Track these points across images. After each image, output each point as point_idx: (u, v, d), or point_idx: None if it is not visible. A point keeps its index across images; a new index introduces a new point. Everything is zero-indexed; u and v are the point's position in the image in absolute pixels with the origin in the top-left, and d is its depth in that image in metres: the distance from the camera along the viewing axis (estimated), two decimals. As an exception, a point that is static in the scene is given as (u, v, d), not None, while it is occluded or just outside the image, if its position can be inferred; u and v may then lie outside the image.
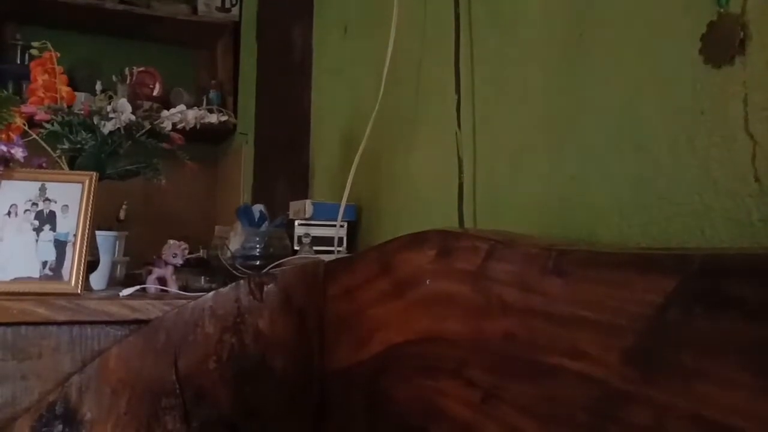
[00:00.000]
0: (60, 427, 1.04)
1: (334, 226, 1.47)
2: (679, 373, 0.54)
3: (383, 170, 1.44)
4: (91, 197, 1.26)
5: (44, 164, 1.43)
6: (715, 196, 0.69)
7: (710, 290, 0.53)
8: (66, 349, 1.09)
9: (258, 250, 1.47)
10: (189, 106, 2.04)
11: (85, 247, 1.24)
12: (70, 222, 1.24)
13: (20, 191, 1.24)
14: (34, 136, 1.41)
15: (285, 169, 2.15)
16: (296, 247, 1.50)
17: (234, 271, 1.39)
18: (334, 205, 1.48)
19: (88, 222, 1.25)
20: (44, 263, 1.22)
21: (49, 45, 1.53)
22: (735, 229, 0.67)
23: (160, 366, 1.10)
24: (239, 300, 1.16)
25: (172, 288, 1.28)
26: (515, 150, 1.02)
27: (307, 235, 1.49)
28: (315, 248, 1.47)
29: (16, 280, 1.19)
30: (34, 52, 1.53)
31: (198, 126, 1.91)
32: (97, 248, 1.50)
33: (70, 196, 1.26)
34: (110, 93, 2.39)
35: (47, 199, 1.24)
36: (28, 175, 1.26)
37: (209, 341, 1.14)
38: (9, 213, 1.22)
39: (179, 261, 1.31)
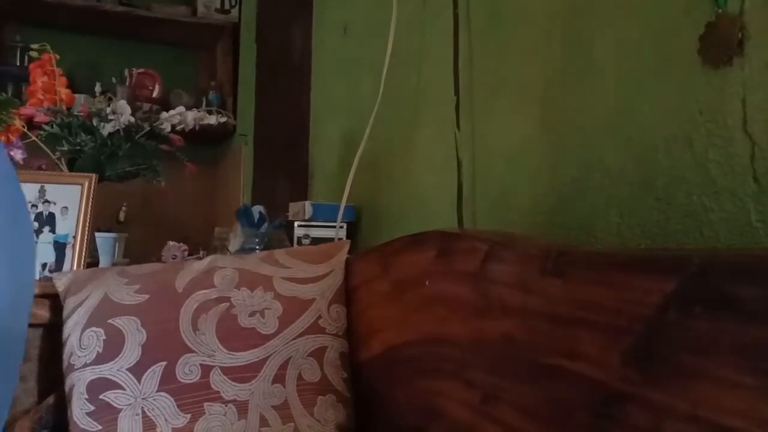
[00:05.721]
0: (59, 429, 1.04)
1: (334, 227, 1.47)
2: (679, 374, 0.54)
3: (383, 171, 1.44)
4: (91, 199, 1.27)
5: (44, 166, 1.44)
6: (714, 197, 0.69)
7: (709, 291, 0.53)
8: (66, 350, 1.08)
9: (257, 251, 1.47)
10: (188, 108, 2.05)
11: (84, 249, 1.24)
12: (70, 224, 1.25)
13: (20, 193, 1.23)
14: (34, 138, 1.42)
15: (284, 170, 2.15)
16: (296, 249, 1.50)
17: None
18: (333, 206, 1.48)
19: (87, 224, 1.25)
20: (44, 265, 1.22)
21: (48, 47, 1.53)
22: (734, 230, 0.67)
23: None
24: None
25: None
26: (514, 151, 1.02)
27: (306, 236, 1.49)
28: (315, 249, 1.47)
29: (15, 282, 1.19)
30: (33, 53, 1.54)
31: (197, 127, 1.91)
32: (96, 250, 1.51)
33: (69, 198, 1.26)
34: (110, 95, 2.40)
35: (47, 201, 1.25)
36: (28, 177, 1.26)
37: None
38: (8, 215, 1.22)
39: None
